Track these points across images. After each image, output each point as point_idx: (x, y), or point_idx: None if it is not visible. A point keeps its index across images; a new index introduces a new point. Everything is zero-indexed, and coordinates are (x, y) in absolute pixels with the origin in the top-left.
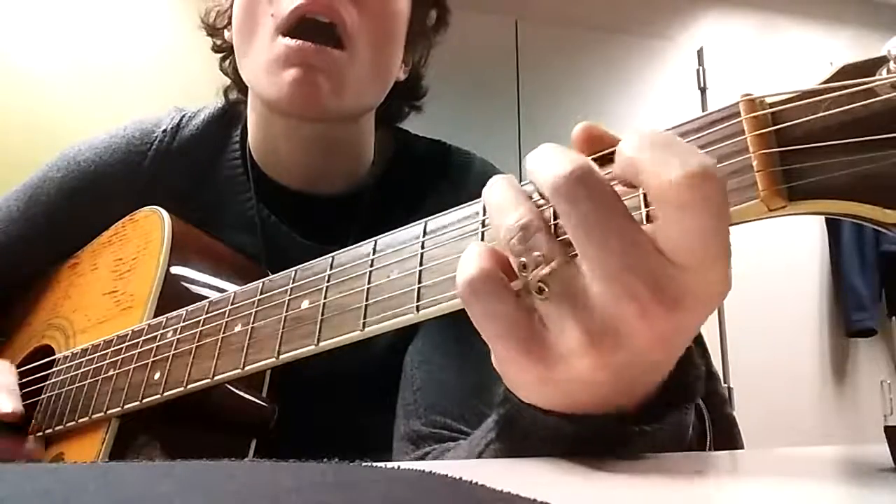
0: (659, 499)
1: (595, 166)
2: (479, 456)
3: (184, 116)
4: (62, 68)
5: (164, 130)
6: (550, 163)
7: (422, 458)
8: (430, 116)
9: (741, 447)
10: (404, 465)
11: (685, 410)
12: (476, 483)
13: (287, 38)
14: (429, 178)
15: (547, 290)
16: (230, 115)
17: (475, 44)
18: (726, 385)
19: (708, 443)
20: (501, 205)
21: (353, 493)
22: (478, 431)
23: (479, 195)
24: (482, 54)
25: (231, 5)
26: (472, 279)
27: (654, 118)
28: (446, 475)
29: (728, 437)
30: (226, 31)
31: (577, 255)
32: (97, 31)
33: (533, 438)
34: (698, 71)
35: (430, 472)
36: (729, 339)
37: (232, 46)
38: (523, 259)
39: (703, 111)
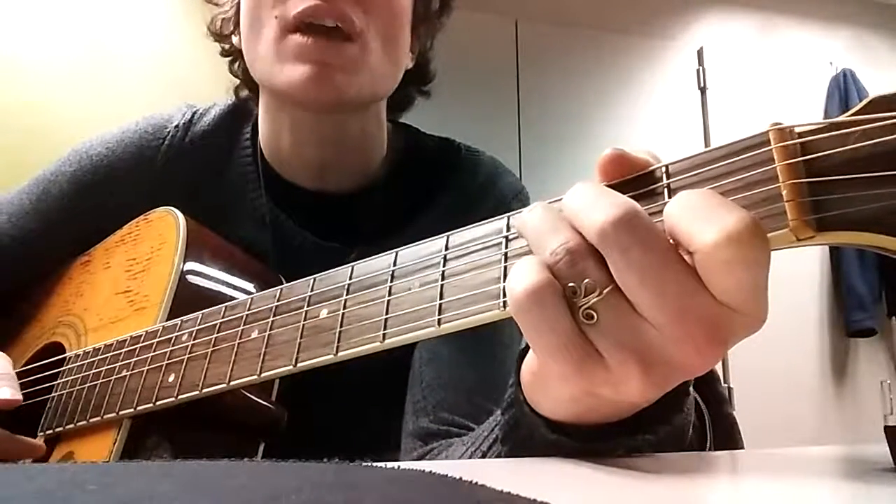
0: (659, 499)
1: (641, 209)
2: (484, 455)
3: (195, 113)
4: (62, 65)
5: (177, 126)
6: (594, 207)
7: (428, 453)
8: (430, 116)
9: (741, 447)
10: (404, 465)
11: (685, 411)
12: (476, 483)
13: (297, 34)
14: (438, 176)
15: (596, 317)
16: (241, 112)
17: (475, 44)
18: (726, 385)
19: (708, 443)
20: (541, 228)
21: (353, 493)
22: (481, 429)
23: (487, 192)
24: (482, 54)
25: (236, 11)
26: (537, 287)
27: (654, 118)
28: (446, 475)
29: (728, 437)
30: (233, 36)
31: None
32: (97, 27)
33: (535, 445)
34: (698, 71)
35: (430, 472)
36: None
37: (240, 50)
38: (572, 284)
39: (703, 111)
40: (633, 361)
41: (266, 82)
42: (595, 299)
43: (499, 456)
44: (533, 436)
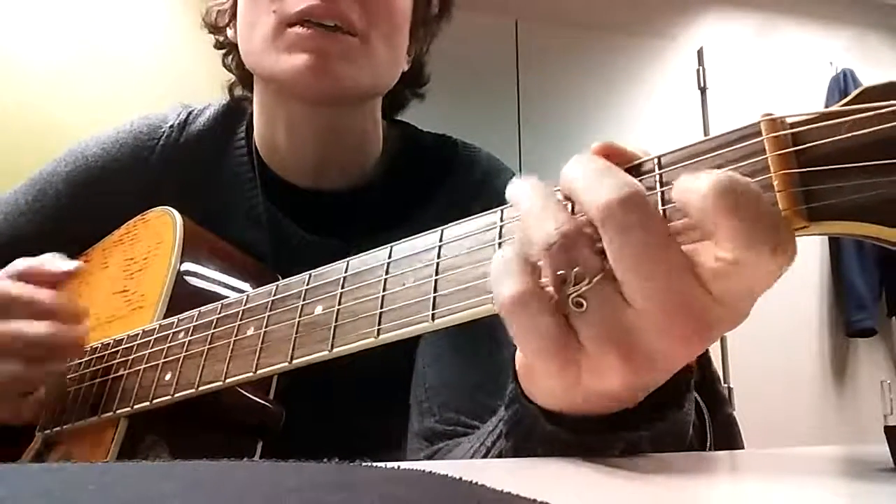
0: (659, 499)
1: (645, 190)
2: (488, 452)
3: (190, 112)
4: (60, 65)
5: (171, 126)
6: (600, 183)
7: (436, 453)
8: (430, 116)
9: (741, 447)
10: (404, 465)
11: (685, 408)
12: (476, 483)
13: (296, 27)
14: (435, 173)
15: (585, 304)
16: (236, 112)
17: (475, 44)
18: (726, 385)
19: (708, 443)
20: (535, 211)
21: (353, 493)
22: (486, 427)
23: (484, 189)
24: (482, 54)
25: (233, 3)
26: (520, 294)
27: (654, 118)
28: (446, 475)
29: (728, 437)
30: (228, 29)
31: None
32: (95, 27)
33: (536, 438)
34: (698, 71)
35: (430, 472)
36: (729, 339)
37: (234, 44)
38: (562, 272)
39: (703, 111)
40: (615, 352)
41: (263, 73)
42: (585, 287)
43: (503, 451)
44: (534, 428)
